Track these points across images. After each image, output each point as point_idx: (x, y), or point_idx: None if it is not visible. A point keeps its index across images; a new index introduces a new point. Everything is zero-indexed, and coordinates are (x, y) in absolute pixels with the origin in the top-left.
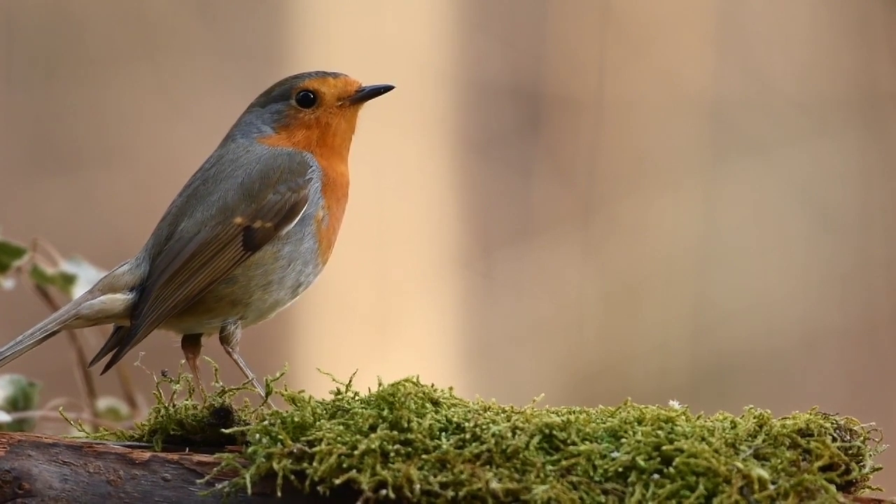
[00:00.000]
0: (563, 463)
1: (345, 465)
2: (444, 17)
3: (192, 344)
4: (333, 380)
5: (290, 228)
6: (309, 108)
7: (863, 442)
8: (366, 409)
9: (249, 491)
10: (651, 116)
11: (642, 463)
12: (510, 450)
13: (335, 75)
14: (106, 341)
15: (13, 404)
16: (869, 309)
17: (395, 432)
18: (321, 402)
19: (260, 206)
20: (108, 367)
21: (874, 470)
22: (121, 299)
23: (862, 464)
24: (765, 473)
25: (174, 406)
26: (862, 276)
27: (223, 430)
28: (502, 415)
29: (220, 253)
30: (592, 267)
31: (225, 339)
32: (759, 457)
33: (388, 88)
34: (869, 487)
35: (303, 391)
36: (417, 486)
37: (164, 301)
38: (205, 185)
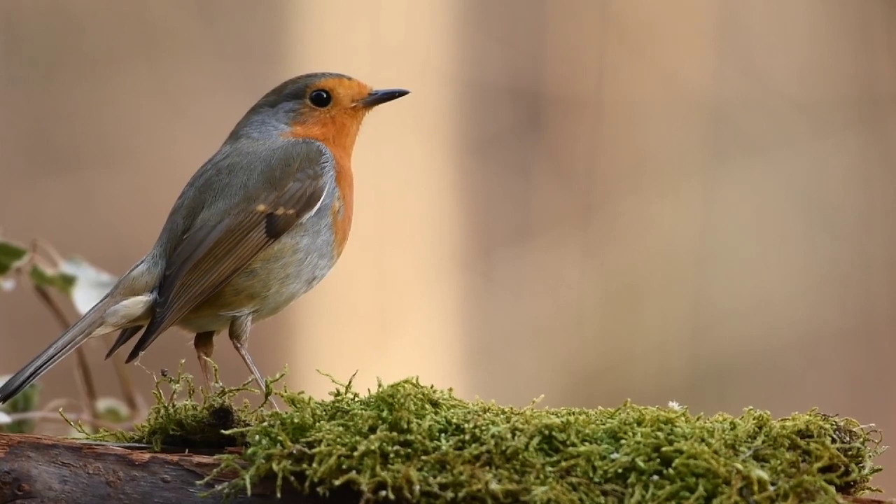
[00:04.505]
0: (563, 464)
1: (344, 467)
2: (444, 18)
3: (204, 343)
4: (333, 381)
5: (310, 215)
6: (323, 107)
7: (862, 443)
8: (365, 410)
9: (249, 492)
10: (651, 116)
11: (642, 464)
12: (510, 451)
13: (349, 77)
14: (119, 336)
15: (13, 405)
16: (868, 310)
17: (395, 433)
18: (321, 404)
19: (282, 193)
20: (131, 356)
21: (874, 471)
22: (143, 301)
23: (861, 465)
24: (764, 474)
25: (174, 406)
26: (862, 277)
27: (223, 430)
28: (502, 416)
29: (244, 240)
30: (592, 267)
31: (234, 334)
32: (758, 458)
33: (402, 93)
34: (868, 489)
35: (302, 392)
36: (417, 488)
37: (190, 288)
38: (219, 177)
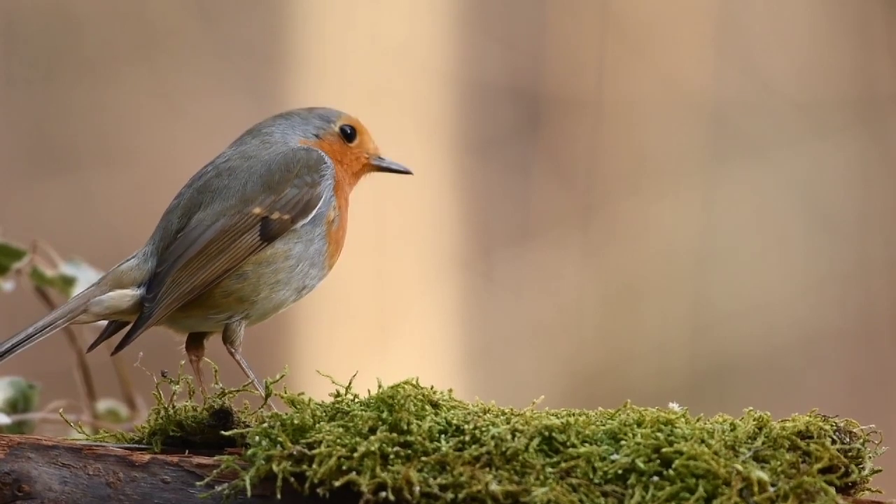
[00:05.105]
0: (563, 465)
1: (344, 468)
2: (444, 18)
3: (195, 346)
4: (333, 382)
5: (305, 222)
6: (346, 141)
7: (862, 444)
8: (365, 411)
9: (249, 493)
10: (651, 116)
11: (642, 465)
12: (510, 452)
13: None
14: (103, 330)
15: (13, 406)
16: (868, 310)
17: (395, 434)
18: (321, 404)
19: (279, 197)
20: (117, 349)
21: (874, 472)
22: (129, 295)
23: (861, 466)
24: (764, 475)
25: (174, 407)
26: (861, 278)
27: (223, 431)
28: (502, 417)
29: (238, 241)
30: (592, 267)
31: (228, 339)
32: (758, 459)
33: (406, 172)
34: (868, 489)
35: (302, 393)
36: (417, 489)
37: (179, 285)
38: (219, 179)
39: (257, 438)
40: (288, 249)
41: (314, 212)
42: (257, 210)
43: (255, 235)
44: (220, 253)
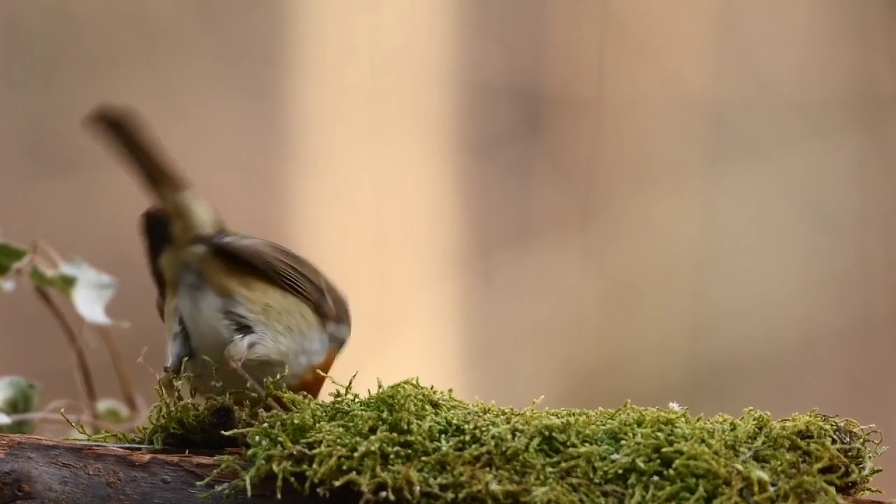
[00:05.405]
0: (563, 465)
1: (344, 467)
2: (443, 18)
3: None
4: (333, 381)
5: (326, 329)
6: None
7: (862, 444)
8: (365, 411)
9: (249, 493)
10: (651, 117)
11: (642, 465)
12: (510, 452)
13: None
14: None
15: (13, 406)
16: (868, 310)
17: (395, 434)
18: (321, 404)
19: (331, 299)
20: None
21: (874, 472)
22: (210, 217)
23: (861, 466)
24: (764, 475)
25: (177, 401)
26: (861, 277)
27: (223, 431)
28: (502, 417)
29: (307, 276)
30: (592, 268)
31: (230, 354)
32: (758, 459)
33: None
34: (869, 489)
35: (302, 393)
36: (417, 488)
37: (262, 252)
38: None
39: (257, 438)
40: (311, 321)
41: (330, 329)
42: (324, 285)
43: (315, 290)
44: (299, 269)
